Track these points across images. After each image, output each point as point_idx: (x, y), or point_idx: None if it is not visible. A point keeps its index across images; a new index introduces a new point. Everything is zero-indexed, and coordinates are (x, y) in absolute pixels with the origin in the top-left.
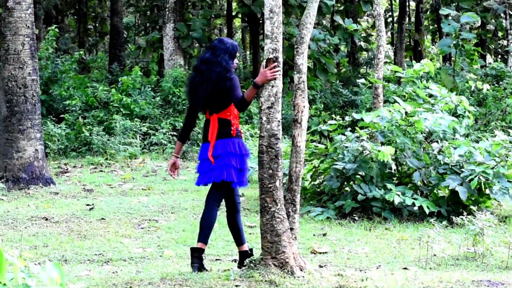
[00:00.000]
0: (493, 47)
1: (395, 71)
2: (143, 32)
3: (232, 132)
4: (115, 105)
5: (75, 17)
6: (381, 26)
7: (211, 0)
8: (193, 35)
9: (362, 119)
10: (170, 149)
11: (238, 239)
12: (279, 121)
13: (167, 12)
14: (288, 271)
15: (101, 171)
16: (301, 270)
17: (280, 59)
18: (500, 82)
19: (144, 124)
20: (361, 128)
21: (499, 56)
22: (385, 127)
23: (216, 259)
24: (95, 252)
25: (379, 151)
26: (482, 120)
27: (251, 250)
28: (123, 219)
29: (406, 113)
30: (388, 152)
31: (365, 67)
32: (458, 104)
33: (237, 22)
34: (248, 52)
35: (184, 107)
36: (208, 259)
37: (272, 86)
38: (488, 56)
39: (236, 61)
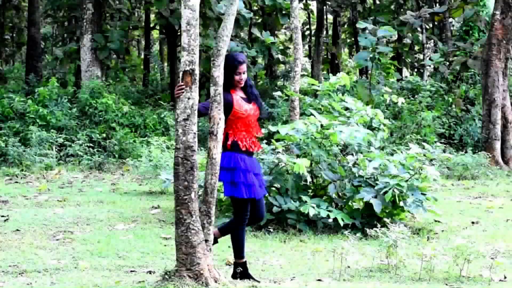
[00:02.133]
0: (410, 60)
1: (312, 84)
2: (60, 43)
3: (226, 145)
4: (32, 116)
5: None
6: (298, 39)
7: (129, 12)
8: (111, 46)
9: (278, 132)
10: (86, 160)
11: (237, 251)
12: (195, 133)
13: (85, 23)
14: (202, 282)
15: (16, 182)
16: (216, 281)
17: (197, 71)
18: (416, 96)
19: (60, 135)
20: (277, 140)
21: (415, 70)
22: (300, 139)
23: (131, 271)
24: (10, 263)
25: (294, 163)
26: (397, 133)
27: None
28: (38, 230)
29: (321, 125)
30: (304, 164)
31: (282, 79)
32: (373, 117)
33: (155, 33)
34: (166, 64)
35: (101, 118)
36: (123, 270)
37: (188, 98)
38: (404, 69)
39: (237, 77)
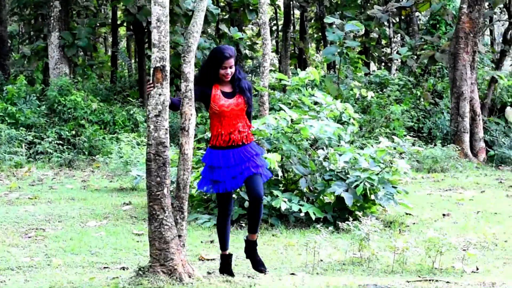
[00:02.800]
0: (377, 55)
1: (280, 79)
2: (27, 40)
3: (209, 143)
4: (0, 114)
5: None
6: (267, 34)
7: (96, 9)
8: (78, 43)
9: None
10: (56, 158)
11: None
12: (166, 129)
13: (52, 21)
14: (176, 278)
15: None
16: (190, 277)
17: (168, 68)
18: (384, 90)
19: (29, 133)
20: None
21: (383, 64)
22: (271, 134)
23: (104, 267)
24: None
25: (265, 158)
26: (366, 127)
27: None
28: (10, 228)
29: (292, 120)
30: (275, 159)
31: (250, 75)
32: (343, 112)
33: (122, 30)
34: (133, 61)
35: (70, 115)
36: (96, 267)
37: (160, 95)
38: (371, 64)
39: (222, 71)
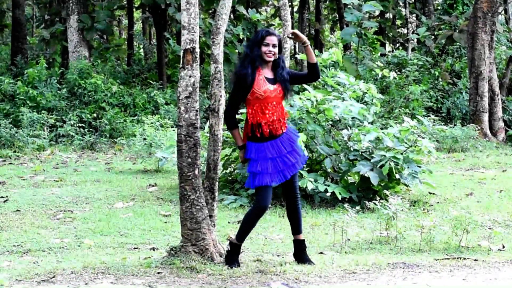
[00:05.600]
0: (392, 35)
1: (302, 59)
2: (43, 24)
3: (247, 133)
4: (22, 98)
5: None
6: (287, 15)
7: None
8: (97, 26)
9: None
10: (77, 140)
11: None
12: (197, 110)
13: (71, 4)
14: (208, 257)
15: (10, 163)
16: (221, 256)
17: (197, 50)
18: (403, 70)
19: (51, 116)
20: None
21: (398, 44)
22: (295, 115)
23: (134, 248)
24: (13, 243)
25: None
26: (385, 108)
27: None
28: (38, 210)
29: (316, 101)
30: (300, 139)
31: None
32: (366, 92)
33: (136, 13)
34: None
35: (90, 98)
36: (126, 248)
37: (190, 76)
38: (386, 44)
39: (264, 48)
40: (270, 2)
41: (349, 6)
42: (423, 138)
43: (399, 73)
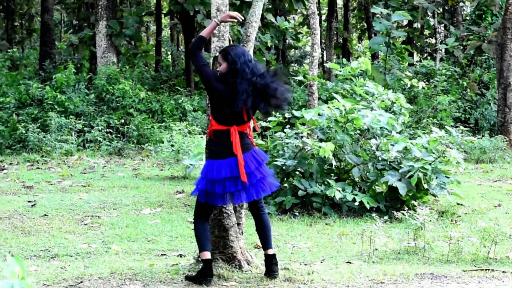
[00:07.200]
0: (420, 45)
1: (330, 68)
2: (71, 29)
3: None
4: (50, 102)
5: (2, 14)
6: (316, 24)
7: None
8: (126, 32)
9: (302, 116)
10: (105, 146)
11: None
12: None
13: (100, 10)
14: (236, 265)
15: (38, 168)
16: (248, 264)
17: None
18: (431, 80)
19: (78, 121)
20: (300, 125)
21: (425, 54)
22: (323, 124)
23: (162, 254)
24: (41, 248)
25: (320, 147)
26: (413, 118)
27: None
28: (66, 215)
29: (344, 110)
30: (329, 148)
31: (295, 64)
32: (394, 102)
33: (164, 20)
34: (180, 49)
35: (118, 104)
36: (153, 254)
37: None
38: (414, 54)
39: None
40: (299, 11)
41: (377, 16)
42: (451, 148)
43: (427, 83)
